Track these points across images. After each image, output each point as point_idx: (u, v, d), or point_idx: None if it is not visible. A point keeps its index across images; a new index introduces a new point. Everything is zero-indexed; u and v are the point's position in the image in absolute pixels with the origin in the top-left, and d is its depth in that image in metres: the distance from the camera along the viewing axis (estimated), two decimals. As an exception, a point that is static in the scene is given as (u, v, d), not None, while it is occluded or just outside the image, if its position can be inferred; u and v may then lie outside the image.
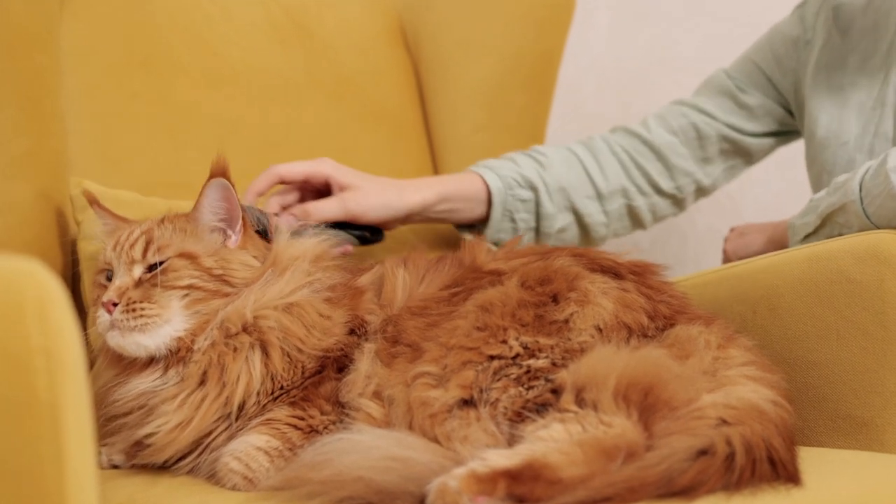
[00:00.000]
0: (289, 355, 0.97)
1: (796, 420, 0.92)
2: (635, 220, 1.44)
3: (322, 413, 0.96)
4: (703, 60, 1.66)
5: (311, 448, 0.89)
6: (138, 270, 0.98)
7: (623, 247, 1.08)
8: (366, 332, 1.01)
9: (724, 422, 0.84)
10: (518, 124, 1.61)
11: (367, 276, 1.07)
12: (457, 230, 1.40)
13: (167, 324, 0.96)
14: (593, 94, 2.06)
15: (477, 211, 1.34)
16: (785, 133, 1.46)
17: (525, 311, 0.93)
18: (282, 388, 0.97)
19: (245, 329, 0.97)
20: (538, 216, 1.36)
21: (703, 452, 0.80)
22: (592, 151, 1.41)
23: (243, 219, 1.03)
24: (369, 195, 1.23)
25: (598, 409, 0.84)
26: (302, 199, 1.26)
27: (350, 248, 1.25)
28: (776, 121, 1.43)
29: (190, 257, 0.99)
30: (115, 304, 0.96)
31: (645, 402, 0.84)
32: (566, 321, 0.93)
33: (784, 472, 0.82)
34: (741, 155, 1.45)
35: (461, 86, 1.56)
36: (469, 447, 0.85)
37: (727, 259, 1.49)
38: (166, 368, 0.97)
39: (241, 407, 0.96)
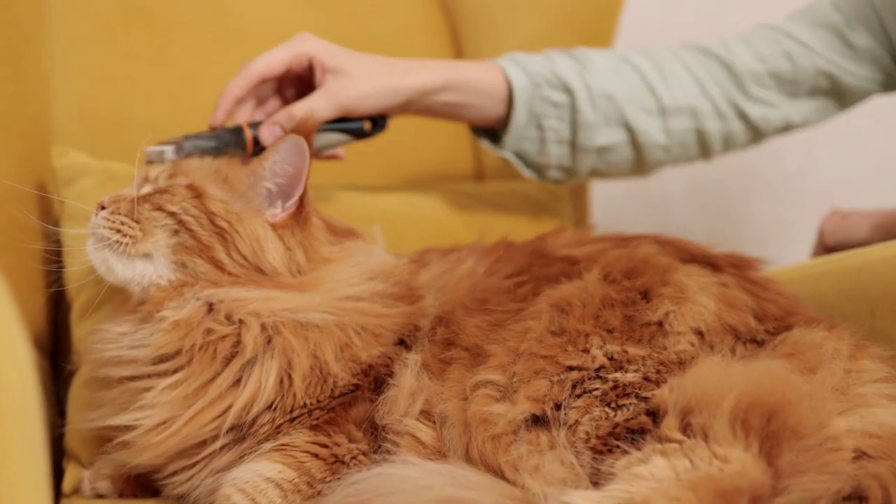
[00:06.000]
0: (320, 370, 0.83)
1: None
2: (702, 147, 1.24)
3: (350, 440, 0.83)
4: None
5: (341, 486, 0.75)
6: (147, 188, 0.91)
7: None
8: (415, 340, 0.87)
9: (864, 454, 0.72)
10: (568, 93, 1.45)
11: (429, 273, 0.92)
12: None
13: (145, 260, 0.87)
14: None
15: (493, 110, 1.14)
16: (889, 85, 1.28)
17: (611, 312, 0.81)
18: (304, 406, 0.83)
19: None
20: (574, 125, 1.17)
21: (849, 498, 0.66)
22: (654, 60, 1.21)
23: (302, 200, 0.88)
24: (360, 82, 1.05)
25: (710, 438, 0.71)
26: (282, 96, 1.09)
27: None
28: (882, 69, 1.25)
29: (195, 192, 0.89)
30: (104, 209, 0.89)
31: (767, 430, 0.71)
32: (660, 324, 0.80)
33: (946, 522, 0.68)
34: (835, 95, 1.26)
35: (504, 48, 1.41)
36: (541, 481, 0.73)
37: (822, 241, 1.34)
38: (140, 321, 0.86)
39: (253, 423, 0.82)
